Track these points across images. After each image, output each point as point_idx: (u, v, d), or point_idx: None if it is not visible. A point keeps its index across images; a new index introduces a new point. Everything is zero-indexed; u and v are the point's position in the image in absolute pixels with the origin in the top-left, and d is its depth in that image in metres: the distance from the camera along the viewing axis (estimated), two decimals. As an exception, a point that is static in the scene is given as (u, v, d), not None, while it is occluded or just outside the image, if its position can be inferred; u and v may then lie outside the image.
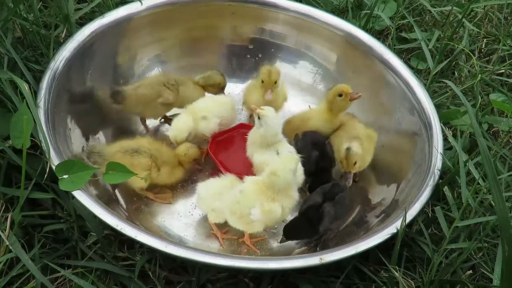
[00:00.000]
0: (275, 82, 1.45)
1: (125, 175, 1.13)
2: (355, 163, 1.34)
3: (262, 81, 1.46)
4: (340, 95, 1.40)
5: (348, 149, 1.34)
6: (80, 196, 1.13)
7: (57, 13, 1.55)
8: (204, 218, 1.38)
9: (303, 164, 1.33)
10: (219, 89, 1.58)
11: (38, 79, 1.33)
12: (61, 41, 1.48)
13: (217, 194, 1.30)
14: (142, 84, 1.50)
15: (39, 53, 1.50)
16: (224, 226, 1.34)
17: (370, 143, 1.42)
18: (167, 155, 1.37)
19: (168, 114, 1.58)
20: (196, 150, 1.41)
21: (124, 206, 1.36)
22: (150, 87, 1.48)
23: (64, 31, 1.50)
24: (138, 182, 1.30)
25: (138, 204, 1.38)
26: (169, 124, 1.51)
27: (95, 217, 1.13)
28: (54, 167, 1.13)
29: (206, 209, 1.34)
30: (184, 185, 1.44)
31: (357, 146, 1.35)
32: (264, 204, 1.23)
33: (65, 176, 1.11)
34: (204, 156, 1.51)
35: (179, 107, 1.52)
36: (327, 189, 1.30)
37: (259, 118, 1.34)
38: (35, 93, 1.27)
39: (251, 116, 1.61)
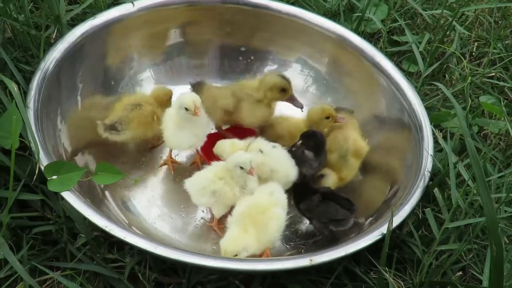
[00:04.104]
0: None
1: (115, 176, 1.13)
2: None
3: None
4: (328, 118, 1.44)
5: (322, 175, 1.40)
6: (69, 197, 1.12)
7: (48, 13, 1.54)
8: (195, 220, 1.38)
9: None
10: (281, 94, 1.40)
11: (28, 80, 1.33)
12: (52, 42, 1.47)
13: (201, 190, 1.29)
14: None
15: (30, 54, 1.49)
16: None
17: (356, 159, 1.42)
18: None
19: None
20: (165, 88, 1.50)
21: (115, 208, 1.35)
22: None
23: (55, 32, 1.49)
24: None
25: (127, 205, 1.37)
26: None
27: (84, 218, 1.12)
28: (43, 168, 1.12)
29: (200, 204, 1.35)
30: (175, 187, 1.44)
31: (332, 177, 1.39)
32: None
33: (54, 177, 1.11)
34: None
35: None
36: (334, 197, 1.30)
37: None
38: (25, 94, 1.26)
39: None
